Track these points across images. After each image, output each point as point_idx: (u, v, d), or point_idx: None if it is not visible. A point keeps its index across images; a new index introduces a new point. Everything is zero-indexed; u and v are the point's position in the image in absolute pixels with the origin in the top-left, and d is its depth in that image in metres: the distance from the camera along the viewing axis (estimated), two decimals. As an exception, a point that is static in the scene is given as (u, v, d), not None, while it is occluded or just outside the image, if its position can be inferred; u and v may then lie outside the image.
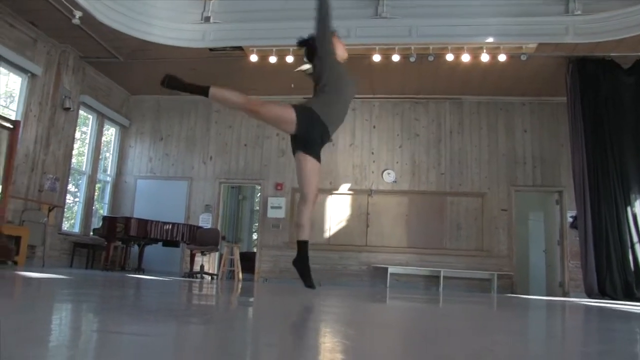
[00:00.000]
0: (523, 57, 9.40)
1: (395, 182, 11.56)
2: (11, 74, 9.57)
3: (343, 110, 4.19)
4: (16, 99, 9.85)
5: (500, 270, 10.79)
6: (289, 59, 9.84)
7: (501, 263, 10.94)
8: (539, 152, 11.31)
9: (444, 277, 10.81)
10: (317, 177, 4.05)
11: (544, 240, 11.92)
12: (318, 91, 4.12)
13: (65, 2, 8.57)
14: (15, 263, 8.32)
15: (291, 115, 3.88)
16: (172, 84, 3.90)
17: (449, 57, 9.64)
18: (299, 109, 3.94)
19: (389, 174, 11.59)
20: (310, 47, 4.21)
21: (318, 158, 4.04)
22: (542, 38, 9.28)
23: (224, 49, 10.05)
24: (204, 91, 3.90)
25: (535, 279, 11.93)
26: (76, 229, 11.44)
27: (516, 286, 10.88)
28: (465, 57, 9.63)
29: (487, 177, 11.35)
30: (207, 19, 9.90)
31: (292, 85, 11.33)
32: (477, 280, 10.91)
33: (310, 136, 3.97)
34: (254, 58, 9.92)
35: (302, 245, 4.03)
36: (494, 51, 9.56)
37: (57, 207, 10.16)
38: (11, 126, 8.26)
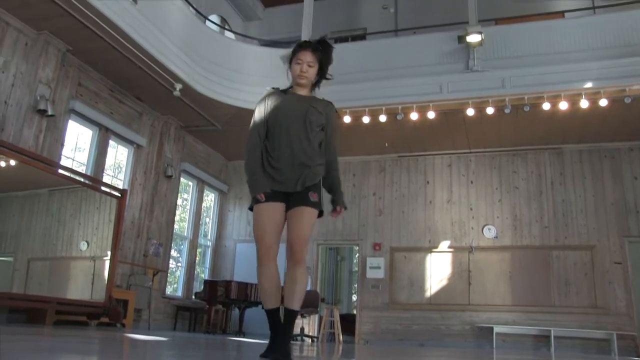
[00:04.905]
0: (627, 100, 8.96)
1: (497, 237, 11.16)
2: (119, 146, 10.17)
3: None
4: (123, 169, 10.41)
5: (620, 329, 9.95)
6: (382, 118, 9.90)
7: (620, 322, 10.10)
8: (653, 199, 10.61)
9: (555, 336, 10.14)
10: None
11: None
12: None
13: (167, 76, 9.10)
14: (124, 325, 8.60)
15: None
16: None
17: (546, 105, 9.34)
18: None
19: (489, 229, 11.22)
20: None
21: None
22: (647, 78, 8.81)
23: (317, 111, 10.24)
24: None
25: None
26: (179, 293, 11.74)
27: (642, 348, 10.00)
28: (563, 105, 9.28)
29: (595, 228, 10.72)
30: (299, 84, 10.15)
31: (386, 144, 11.42)
32: (594, 341, 10.11)
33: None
34: (347, 119, 10.04)
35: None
36: (594, 96, 9.16)
37: (161, 271, 10.49)
38: (119, 195, 8.70)
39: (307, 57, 3.28)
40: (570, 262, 10.69)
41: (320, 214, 3.24)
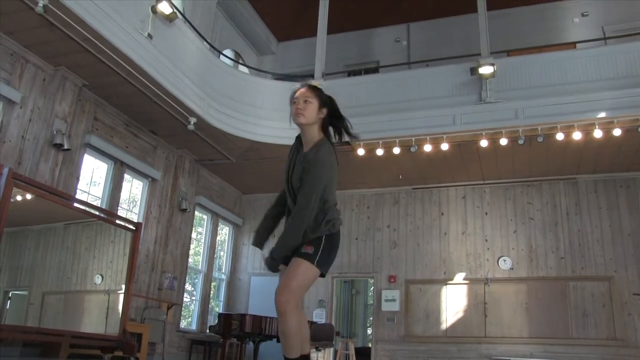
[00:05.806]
0: (641, 130, 8.92)
1: (512, 269, 11.03)
2: (134, 179, 10.25)
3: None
4: (138, 202, 10.47)
5: (642, 363, 9.74)
6: (396, 150, 9.91)
7: (642, 355, 9.87)
8: (672, 229, 10.45)
9: (575, 370, 9.94)
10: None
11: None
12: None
13: (181, 110, 9.19)
14: (137, 359, 8.53)
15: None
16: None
17: (559, 136, 9.28)
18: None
19: (504, 260, 11.11)
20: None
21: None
22: (661, 108, 8.74)
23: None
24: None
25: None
26: (193, 327, 11.68)
27: (667, 384, 9.75)
28: (577, 135, 9.21)
29: (612, 259, 10.56)
30: (313, 117, 10.22)
31: (400, 177, 11.41)
32: (617, 374, 9.87)
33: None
34: (361, 152, 10.06)
35: None
36: (607, 126, 9.08)
37: (176, 304, 10.45)
38: (134, 228, 8.69)
39: (302, 93, 3.06)
40: (588, 293, 10.51)
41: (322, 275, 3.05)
